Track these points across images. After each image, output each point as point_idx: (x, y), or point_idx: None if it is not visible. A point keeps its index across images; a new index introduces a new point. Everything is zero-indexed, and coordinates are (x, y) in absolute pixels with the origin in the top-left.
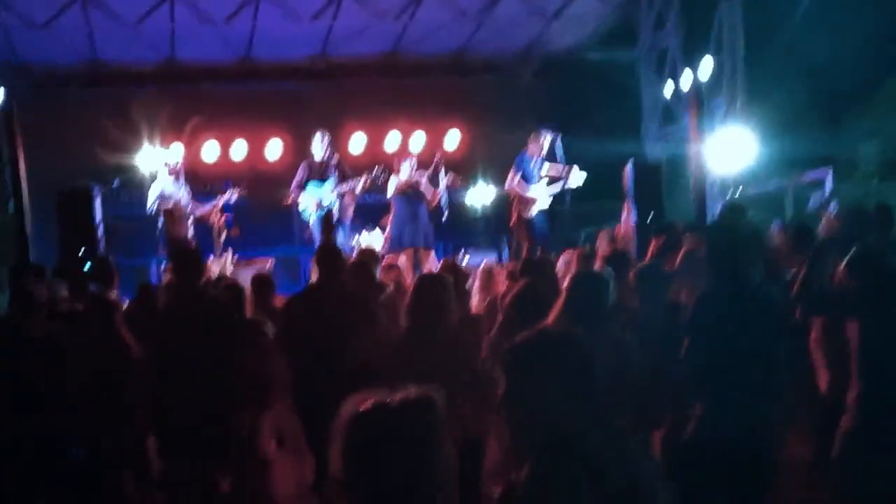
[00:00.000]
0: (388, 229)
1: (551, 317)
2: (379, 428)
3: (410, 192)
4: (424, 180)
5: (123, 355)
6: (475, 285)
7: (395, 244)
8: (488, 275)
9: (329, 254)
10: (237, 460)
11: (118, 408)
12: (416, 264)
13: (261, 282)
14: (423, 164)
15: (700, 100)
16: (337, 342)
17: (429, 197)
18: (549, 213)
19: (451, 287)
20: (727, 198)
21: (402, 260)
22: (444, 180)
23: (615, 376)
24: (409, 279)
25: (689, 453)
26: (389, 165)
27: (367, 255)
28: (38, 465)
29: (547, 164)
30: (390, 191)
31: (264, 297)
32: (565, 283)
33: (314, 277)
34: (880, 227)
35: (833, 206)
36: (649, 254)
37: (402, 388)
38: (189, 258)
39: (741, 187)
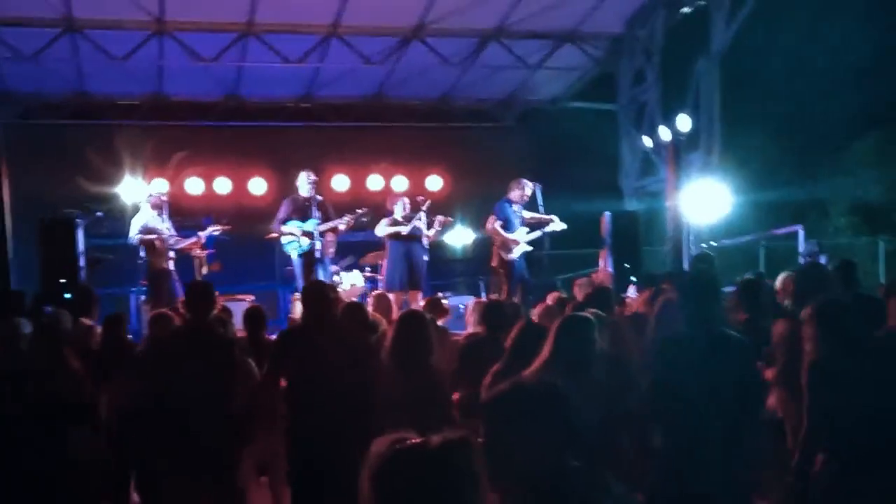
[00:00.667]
0: (383, 270)
1: (538, 361)
2: (418, 471)
3: (405, 234)
4: (415, 222)
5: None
6: (470, 321)
7: (391, 286)
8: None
9: (317, 291)
10: (216, 490)
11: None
12: (405, 305)
13: (253, 316)
14: (413, 205)
15: (678, 153)
16: (331, 377)
17: (423, 237)
18: (528, 259)
19: (432, 324)
20: (699, 249)
21: (393, 299)
22: (436, 223)
23: (599, 422)
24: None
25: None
26: (374, 206)
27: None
28: None
29: (527, 213)
30: (381, 231)
31: (256, 331)
32: (552, 328)
33: (301, 313)
34: (843, 285)
35: (821, 258)
36: (637, 305)
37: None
38: (203, 292)
39: (710, 242)
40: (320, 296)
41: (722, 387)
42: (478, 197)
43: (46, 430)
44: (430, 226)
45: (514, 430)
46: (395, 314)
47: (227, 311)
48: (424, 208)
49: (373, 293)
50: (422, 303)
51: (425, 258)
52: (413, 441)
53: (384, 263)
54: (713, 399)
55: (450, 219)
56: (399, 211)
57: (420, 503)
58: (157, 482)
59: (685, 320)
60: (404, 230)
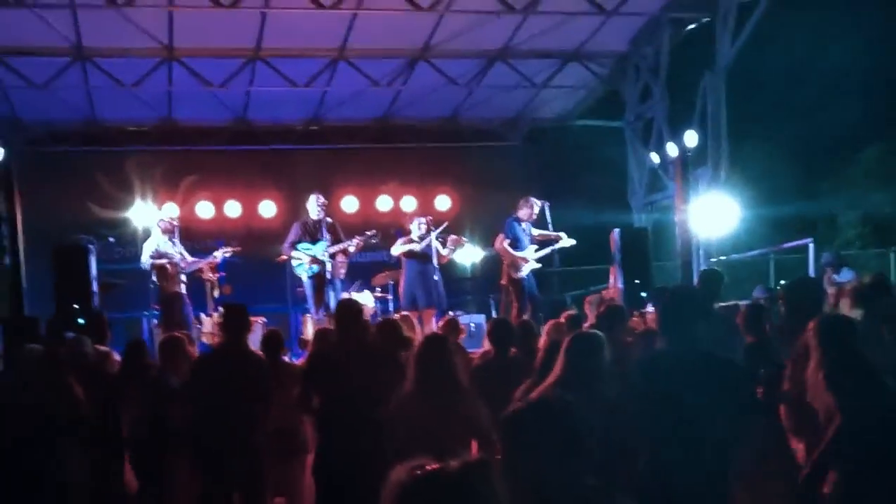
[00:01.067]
0: (400, 289)
1: (551, 377)
2: (437, 498)
3: (420, 253)
4: (429, 242)
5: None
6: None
7: (407, 304)
8: None
9: (349, 310)
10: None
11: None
12: (420, 324)
13: (271, 339)
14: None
15: (685, 168)
16: (362, 397)
17: (440, 258)
18: (537, 276)
19: (452, 346)
20: (708, 264)
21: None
22: (449, 242)
23: (607, 439)
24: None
25: None
26: (384, 227)
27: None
28: None
29: (536, 231)
30: (396, 250)
31: (274, 355)
32: (563, 345)
33: (334, 332)
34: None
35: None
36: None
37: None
38: (237, 314)
39: (720, 257)
40: (352, 314)
41: (700, 407)
42: (486, 215)
43: (44, 451)
44: (443, 245)
45: (528, 446)
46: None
47: None
48: (439, 228)
49: (399, 313)
50: (436, 322)
51: (436, 277)
52: (431, 467)
53: (400, 282)
54: (691, 419)
55: (463, 238)
56: (416, 230)
57: None
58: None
59: (665, 338)
60: (417, 248)
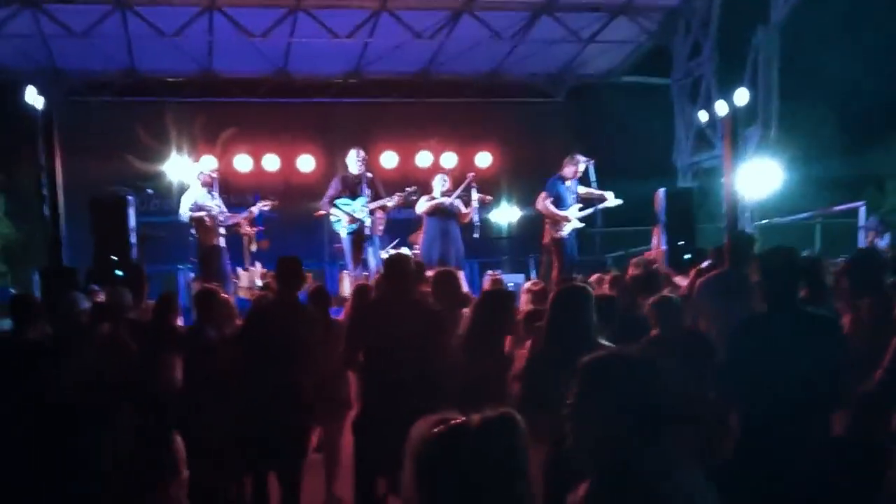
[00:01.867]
0: (420, 246)
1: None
2: (460, 451)
3: (442, 211)
4: (455, 198)
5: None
6: (523, 300)
7: (428, 263)
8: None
9: (398, 264)
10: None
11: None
12: None
13: (318, 294)
14: (455, 180)
15: (734, 127)
16: (406, 353)
17: (460, 215)
18: (579, 236)
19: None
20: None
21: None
22: (475, 198)
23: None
24: None
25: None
26: (423, 183)
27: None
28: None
29: (582, 189)
30: (421, 207)
31: (322, 308)
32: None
33: (380, 285)
34: None
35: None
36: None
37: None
38: (292, 266)
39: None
40: (401, 268)
41: (808, 367)
42: (527, 173)
43: (100, 408)
44: (467, 203)
45: (605, 397)
46: None
47: None
48: (473, 184)
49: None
50: (464, 281)
51: (475, 235)
52: (454, 422)
53: (421, 240)
54: (798, 380)
55: (489, 197)
56: (438, 187)
57: (461, 483)
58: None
59: (766, 299)
60: (447, 201)
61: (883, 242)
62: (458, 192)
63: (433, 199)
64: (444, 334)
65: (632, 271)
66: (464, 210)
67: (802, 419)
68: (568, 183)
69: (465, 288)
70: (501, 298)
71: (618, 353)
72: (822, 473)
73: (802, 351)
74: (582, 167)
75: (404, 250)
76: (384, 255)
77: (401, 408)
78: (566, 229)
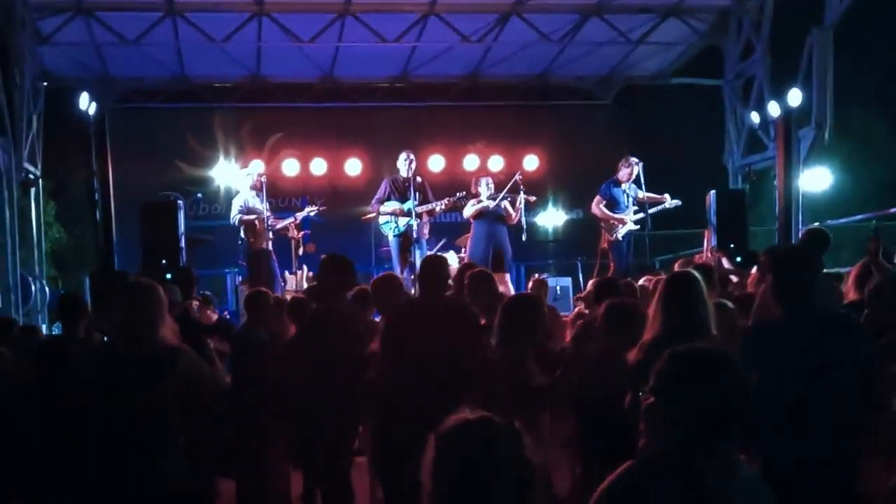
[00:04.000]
0: (467, 249)
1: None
2: (461, 444)
3: (489, 213)
4: (501, 200)
5: None
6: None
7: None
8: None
9: (433, 265)
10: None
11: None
12: None
13: (361, 296)
14: (501, 183)
15: (788, 128)
16: (437, 357)
17: (508, 217)
18: (628, 239)
19: (543, 307)
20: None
21: None
22: (522, 200)
23: None
24: None
25: None
26: (469, 187)
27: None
28: None
29: (642, 193)
30: (468, 212)
31: (364, 311)
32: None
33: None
34: None
35: None
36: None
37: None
38: (341, 264)
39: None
40: (436, 271)
41: (832, 372)
42: (575, 177)
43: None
44: (513, 205)
45: (683, 391)
46: None
47: None
48: (520, 185)
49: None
50: (510, 285)
51: (523, 238)
52: (463, 416)
53: (468, 243)
54: (820, 387)
55: (533, 198)
56: (484, 191)
57: (481, 472)
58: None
59: (782, 300)
60: (491, 204)
61: None
62: (504, 193)
63: (480, 202)
64: (478, 335)
65: None
66: (511, 212)
67: (826, 435)
68: (624, 186)
69: (501, 289)
70: (522, 304)
71: (704, 350)
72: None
73: (823, 358)
74: (636, 170)
75: (451, 253)
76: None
77: (432, 407)
78: (620, 232)
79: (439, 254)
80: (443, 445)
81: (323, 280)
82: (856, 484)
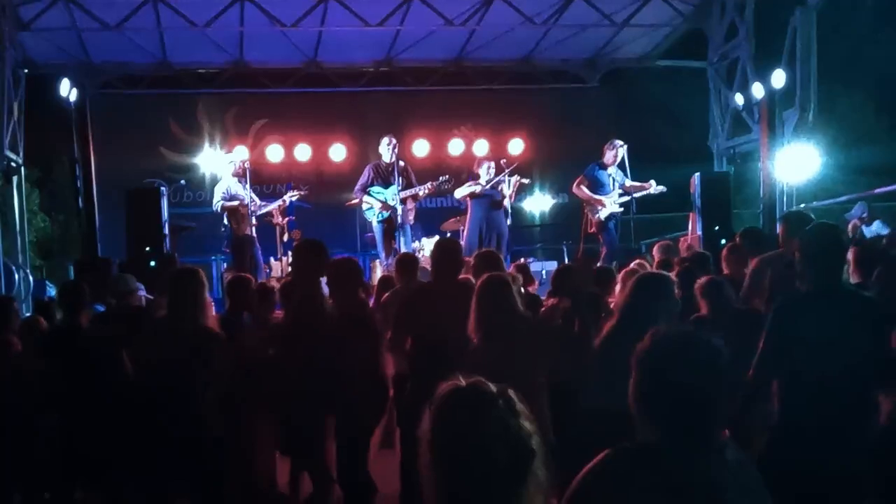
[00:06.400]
0: (465, 235)
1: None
2: (452, 409)
3: (485, 196)
4: (499, 184)
5: None
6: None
7: (471, 249)
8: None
9: (446, 250)
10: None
11: None
12: None
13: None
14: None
15: (772, 110)
16: (452, 341)
17: (504, 202)
18: (616, 222)
19: (515, 287)
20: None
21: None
22: (512, 185)
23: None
24: None
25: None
26: (455, 171)
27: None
28: None
29: (629, 182)
30: (460, 192)
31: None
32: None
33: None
34: None
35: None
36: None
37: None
38: (349, 269)
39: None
40: (448, 253)
41: (849, 349)
42: (561, 160)
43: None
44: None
45: (665, 378)
46: None
47: None
48: (507, 171)
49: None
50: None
51: (508, 222)
52: (454, 383)
53: (465, 227)
54: (838, 362)
55: (525, 180)
56: (484, 174)
57: (479, 435)
58: None
59: (807, 279)
60: (478, 189)
61: (869, 230)
62: (495, 179)
63: (477, 184)
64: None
65: (658, 257)
66: (506, 193)
67: (845, 408)
68: (610, 170)
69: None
70: (496, 284)
71: (681, 333)
72: (862, 465)
73: (847, 335)
74: (621, 152)
75: (435, 239)
76: (416, 244)
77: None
78: (602, 213)
79: (422, 242)
80: (436, 414)
81: (299, 266)
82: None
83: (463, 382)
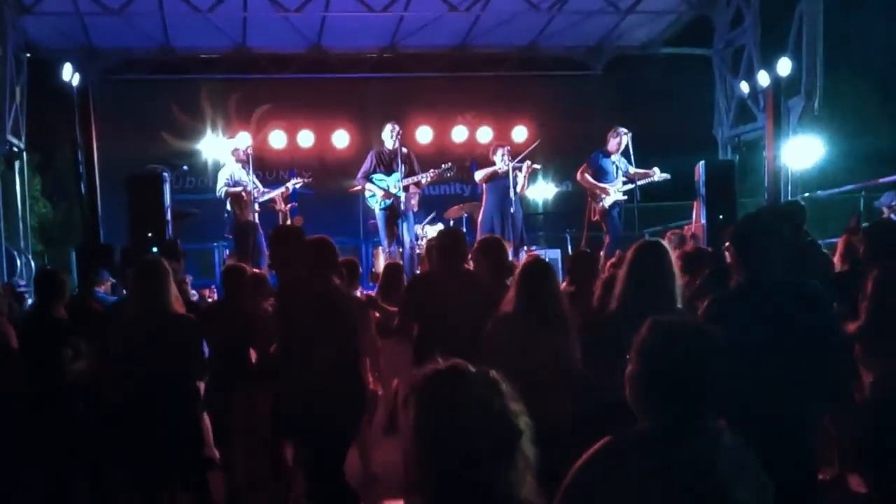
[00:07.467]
0: (479, 219)
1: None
2: (454, 390)
3: (503, 184)
4: (515, 169)
5: None
6: None
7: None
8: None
9: (451, 236)
10: None
11: None
12: None
13: (351, 267)
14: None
15: (777, 98)
16: (459, 323)
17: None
18: (620, 210)
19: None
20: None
21: None
22: (525, 171)
23: None
24: None
25: None
26: (458, 158)
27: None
28: None
29: (633, 169)
30: (479, 175)
31: (353, 281)
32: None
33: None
34: None
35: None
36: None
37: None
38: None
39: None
40: (453, 241)
41: (786, 338)
42: (564, 147)
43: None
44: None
45: (673, 366)
46: None
47: None
48: (519, 157)
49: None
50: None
51: (513, 210)
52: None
53: (480, 213)
54: (775, 353)
55: (537, 166)
56: (499, 161)
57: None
58: None
59: (741, 272)
60: (500, 170)
61: None
62: (512, 163)
63: (496, 171)
64: (495, 305)
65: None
66: (520, 183)
67: (786, 414)
68: (614, 158)
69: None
70: (542, 268)
71: (676, 322)
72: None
73: (784, 331)
74: (625, 139)
75: (439, 226)
76: (419, 230)
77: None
78: (606, 201)
79: (425, 228)
80: (418, 395)
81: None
82: (812, 440)
83: (442, 364)
